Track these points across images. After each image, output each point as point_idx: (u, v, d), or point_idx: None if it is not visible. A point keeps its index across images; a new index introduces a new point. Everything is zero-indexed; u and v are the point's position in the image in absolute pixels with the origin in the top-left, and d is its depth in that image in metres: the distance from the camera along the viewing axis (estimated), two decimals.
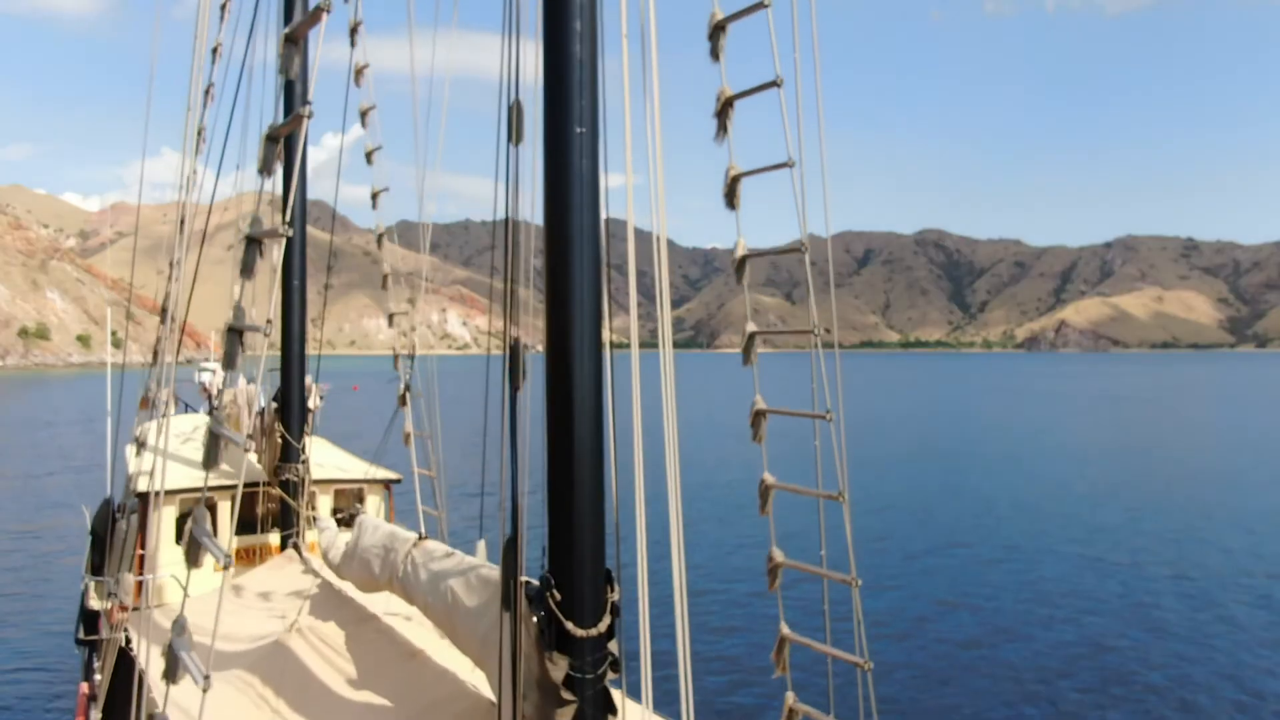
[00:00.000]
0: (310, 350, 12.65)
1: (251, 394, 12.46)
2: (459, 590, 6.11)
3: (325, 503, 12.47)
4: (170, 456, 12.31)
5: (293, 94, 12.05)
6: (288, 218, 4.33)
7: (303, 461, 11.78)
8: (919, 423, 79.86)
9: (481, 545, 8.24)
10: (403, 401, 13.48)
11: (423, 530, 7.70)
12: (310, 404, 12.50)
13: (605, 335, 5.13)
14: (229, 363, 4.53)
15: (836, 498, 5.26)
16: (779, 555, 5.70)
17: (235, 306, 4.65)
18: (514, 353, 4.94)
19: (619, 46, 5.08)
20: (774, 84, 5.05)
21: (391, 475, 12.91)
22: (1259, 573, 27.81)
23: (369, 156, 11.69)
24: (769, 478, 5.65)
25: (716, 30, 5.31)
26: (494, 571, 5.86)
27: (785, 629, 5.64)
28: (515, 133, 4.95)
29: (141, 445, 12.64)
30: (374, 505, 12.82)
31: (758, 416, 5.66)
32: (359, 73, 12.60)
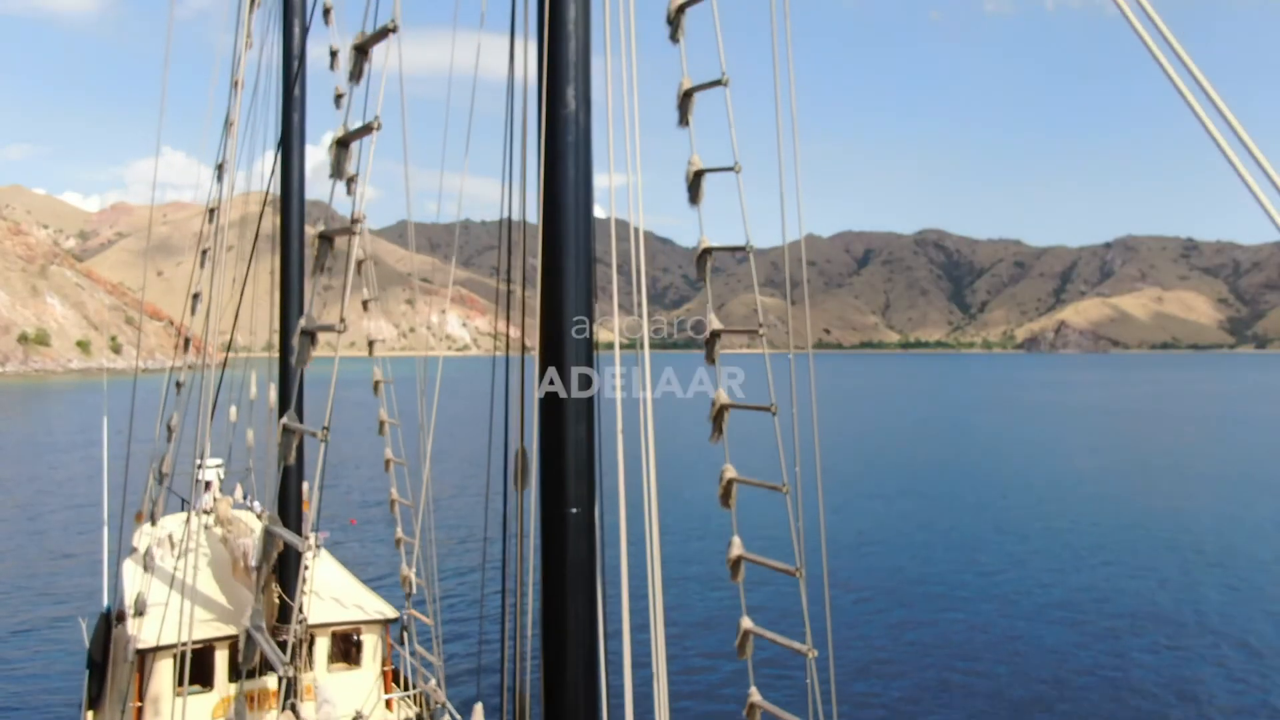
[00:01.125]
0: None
1: (248, 547, 12.43)
2: None
3: (323, 644, 12.28)
4: (161, 576, 12.33)
5: (289, 122, 12.10)
6: (342, 314, 4.51)
7: (300, 621, 11.66)
8: (904, 453, 72.39)
9: (478, 709, 8.37)
10: (399, 544, 13.58)
11: None
12: (306, 560, 12.40)
13: (603, 336, 5.15)
14: (285, 458, 4.64)
15: (794, 572, 5.52)
16: (748, 623, 5.90)
17: (286, 421, 4.75)
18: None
19: (615, 51, 5.18)
20: (732, 168, 5.31)
21: (389, 613, 12.71)
22: (1257, 628, 27.26)
23: (349, 185, 11.66)
24: (738, 546, 5.86)
25: (685, 98, 5.47)
26: None
27: (755, 695, 5.83)
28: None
29: (140, 605, 12.13)
30: (371, 645, 12.57)
31: (728, 485, 5.86)
32: (338, 98, 12.79)
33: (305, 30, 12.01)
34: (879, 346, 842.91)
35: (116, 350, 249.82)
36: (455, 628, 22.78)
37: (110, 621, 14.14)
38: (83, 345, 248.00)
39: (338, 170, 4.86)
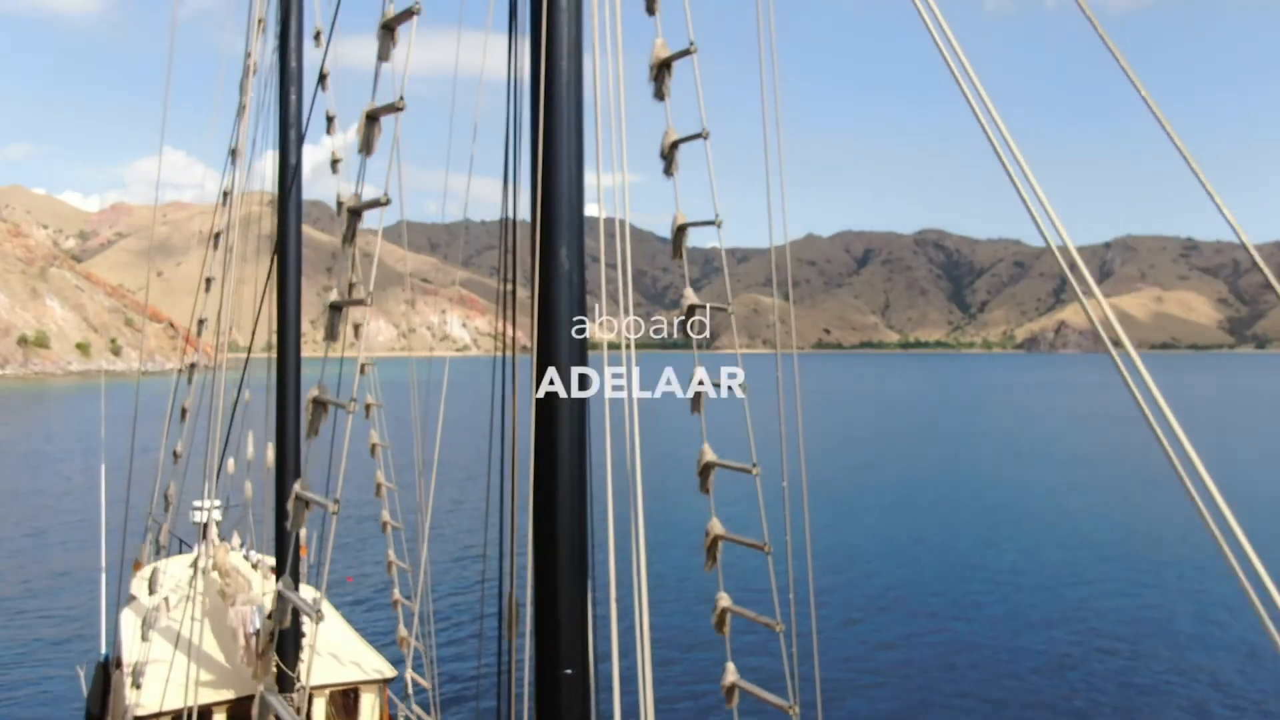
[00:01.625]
0: (306, 352, 12.60)
1: (247, 615, 12.48)
2: None
3: (320, 705, 12.25)
4: (160, 631, 12.36)
5: (288, 114, 12.16)
6: (350, 396, 4.58)
7: (299, 690, 11.50)
8: (898, 460, 68.93)
9: None
10: (395, 605, 13.57)
11: None
12: (305, 632, 12.38)
13: (599, 336, 5.14)
14: (295, 525, 4.71)
15: (776, 626, 5.69)
16: (732, 675, 5.93)
17: (294, 496, 4.78)
18: None
19: (604, 51, 5.21)
20: (713, 222, 5.62)
21: (388, 672, 12.69)
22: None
23: (340, 206, 11.66)
24: (724, 600, 5.93)
25: (671, 149, 5.58)
26: None
27: None
28: None
29: (137, 676, 11.89)
30: (369, 704, 12.51)
31: (714, 541, 5.95)
32: (330, 120, 12.79)
33: (301, 55, 12.08)
34: (879, 346, 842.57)
35: (116, 352, 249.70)
36: (452, 687, 22.09)
37: (108, 671, 14.09)
38: (82, 347, 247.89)
39: (350, 237, 4.98)
